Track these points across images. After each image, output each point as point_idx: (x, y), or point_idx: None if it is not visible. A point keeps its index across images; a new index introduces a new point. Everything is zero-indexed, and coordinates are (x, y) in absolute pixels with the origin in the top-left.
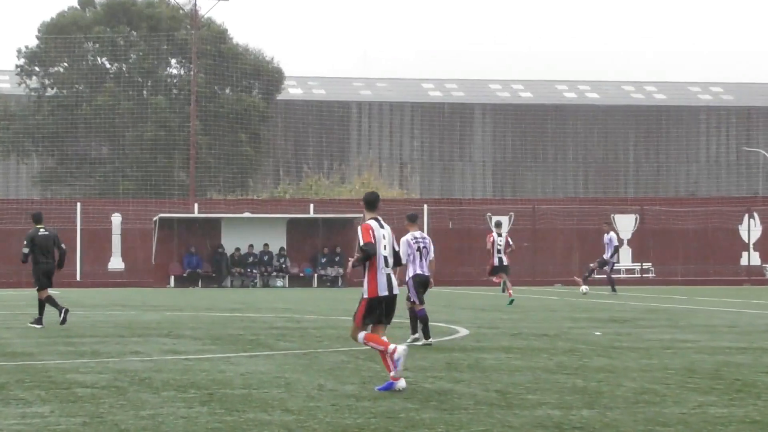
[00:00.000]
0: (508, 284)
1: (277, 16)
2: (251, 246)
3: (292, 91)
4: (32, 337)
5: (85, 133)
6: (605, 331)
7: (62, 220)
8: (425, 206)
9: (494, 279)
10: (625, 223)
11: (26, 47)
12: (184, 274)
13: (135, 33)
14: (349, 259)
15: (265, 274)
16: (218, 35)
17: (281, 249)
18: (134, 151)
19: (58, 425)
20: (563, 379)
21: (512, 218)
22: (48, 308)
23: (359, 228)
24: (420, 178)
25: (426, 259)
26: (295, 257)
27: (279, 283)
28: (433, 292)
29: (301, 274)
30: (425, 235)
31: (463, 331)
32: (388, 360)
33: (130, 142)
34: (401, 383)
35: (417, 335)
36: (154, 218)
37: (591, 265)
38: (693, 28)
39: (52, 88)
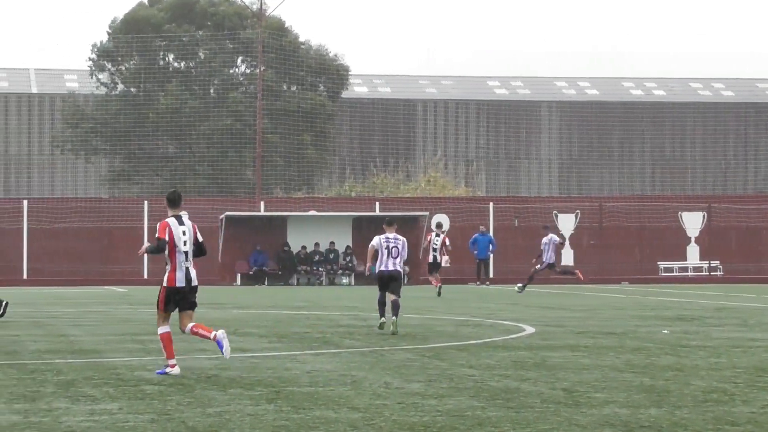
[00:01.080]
0: (437, 277)
1: (342, 14)
2: (317, 244)
3: (357, 89)
4: (101, 334)
5: (152, 131)
6: (673, 330)
7: (130, 219)
8: (491, 204)
9: (432, 280)
10: (693, 221)
11: (100, 42)
12: (251, 272)
13: (200, 32)
14: (146, 244)
15: (331, 272)
16: (282, 32)
17: (347, 247)
18: (201, 149)
19: (126, 422)
20: (631, 378)
21: (578, 216)
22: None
23: (158, 224)
24: (486, 176)
25: (394, 258)
26: (362, 255)
27: (345, 281)
28: (499, 290)
29: (368, 273)
30: (398, 236)
31: (530, 329)
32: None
33: (196, 141)
34: (176, 369)
35: (383, 320)
36: (221, 216)
37: (538, 267)
38: (759, 26)
39: (123, 84)
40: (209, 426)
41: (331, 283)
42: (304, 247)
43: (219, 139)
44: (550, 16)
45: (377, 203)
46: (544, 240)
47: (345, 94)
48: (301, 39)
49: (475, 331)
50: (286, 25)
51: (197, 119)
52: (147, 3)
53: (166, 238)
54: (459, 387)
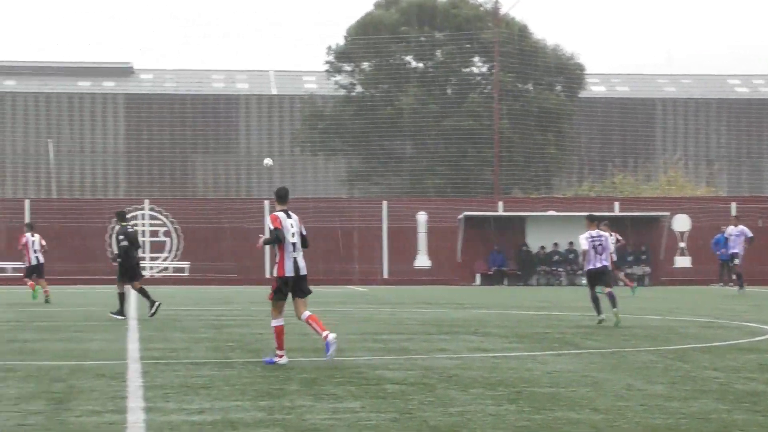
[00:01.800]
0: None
1: (577, 12)
2: (556, 244)
3: (594, 88)
4: (342, 333)
5: (390, 132)
6: None
7: (368, 219)
8: (733, 204)
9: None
10: None
11: (336, 44)
12: (490, 272)
13: (437, 33)
14: (260, 236)
15: (571, 272)
16: (519, 32)
17: None
18: (439, 149)
19: (368, 420)
20: None
21: None
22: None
23: (268, 217)
24: (727, 175)
25: (600, 254)
26: None
27: (585, 281)
28: (744, 292)
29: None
30: (602, 233)
31: None
32: (322, 337)
33: (434, 141)
34: (284, 360)
35: (601, 317)
36: (459, 216)
37: (736, 263)
38: None
39: (360, 86)
40: (451, 426)
41: (571, 283)
42: (542, 248)
43: (457, 139)
44: None
45: (616, 203)
46: (736, 231)
47: (582, 94)
48: (539, 39)
49: (718, 333)
50: (526, 27)
51: (435, 119)
52: (384, 4)
53: (282, 227)
54: (703, 389)
